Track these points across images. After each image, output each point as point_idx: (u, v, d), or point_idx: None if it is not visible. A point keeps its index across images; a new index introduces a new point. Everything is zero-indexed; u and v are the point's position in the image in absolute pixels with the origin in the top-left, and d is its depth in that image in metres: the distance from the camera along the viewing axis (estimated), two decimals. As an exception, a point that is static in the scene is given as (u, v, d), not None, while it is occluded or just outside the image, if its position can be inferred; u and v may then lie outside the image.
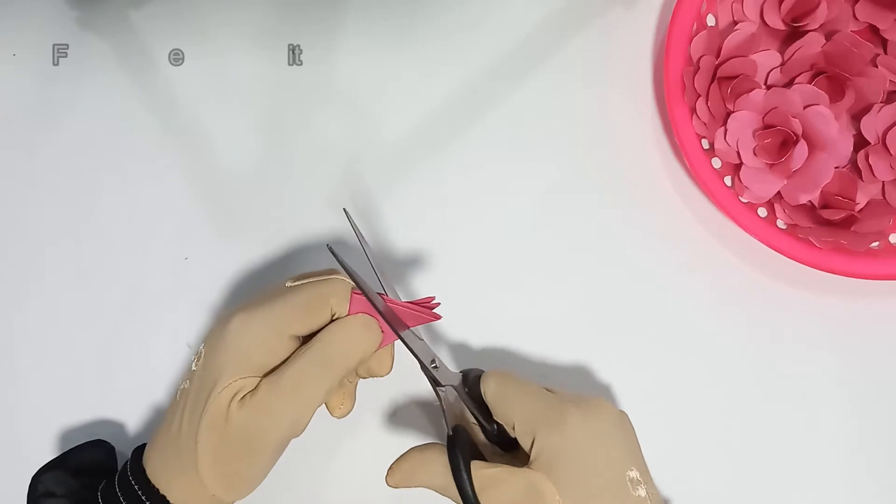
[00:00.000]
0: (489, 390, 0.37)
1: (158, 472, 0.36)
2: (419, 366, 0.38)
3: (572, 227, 0.46)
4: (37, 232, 0.46)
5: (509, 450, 0.39)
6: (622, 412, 0.37)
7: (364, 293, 0.36)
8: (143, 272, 0.46)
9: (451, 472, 0.35)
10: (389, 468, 0.37)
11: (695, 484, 0.44)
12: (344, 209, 0.39)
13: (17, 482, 0.44)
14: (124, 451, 0.44)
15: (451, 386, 0.38)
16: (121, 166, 0.46)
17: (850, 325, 0.45)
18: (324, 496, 0.44)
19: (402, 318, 0.37)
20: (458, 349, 0.45)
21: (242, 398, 0.35)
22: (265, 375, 0.35)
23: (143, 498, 0.35)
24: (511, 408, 0.37)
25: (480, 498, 0.34)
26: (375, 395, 0.44)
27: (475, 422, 0.39)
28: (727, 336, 0.45)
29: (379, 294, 0.37)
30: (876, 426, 0.45)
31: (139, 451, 0.38)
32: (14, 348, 0.45)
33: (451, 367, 0.42)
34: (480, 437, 0.39)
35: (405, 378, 0.41)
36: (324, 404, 0.39)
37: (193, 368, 0.37)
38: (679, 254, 0.46)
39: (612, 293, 0.46)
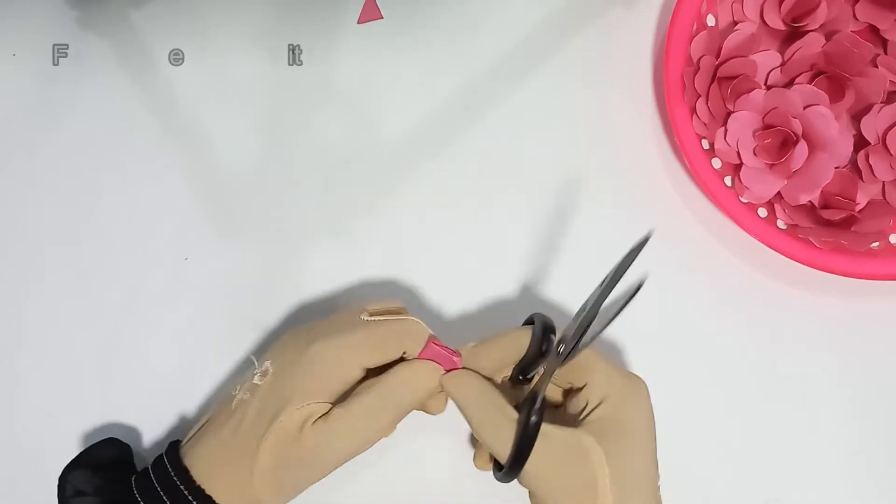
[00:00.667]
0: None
1: (205, 470, 0.37)
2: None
3: (572, 227, 0.46)
4: (37, 232, 0.46)
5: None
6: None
7: (439, 346, 0.37)
8: (143, 272, 0.46)
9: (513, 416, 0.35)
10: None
11: (695, 484, 0.44)
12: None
13: (16, 481, 0.44)
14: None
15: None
16: (121, 166, 0.46)
17: (850, 325, 0.45)
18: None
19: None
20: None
21: (315, 422, 0.36)
22: (335, 402, 0.37)
23: (188, 497, 0.36)
24: (592, 363, 0.37)
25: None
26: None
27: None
28: (727, 336, 0.45)
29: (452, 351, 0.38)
30: (876, 426, 0.45)
31: (173, 451, 0.38)
32: (14, 348, 0.45)
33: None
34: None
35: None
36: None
37: (257, 382, 0.37)
38: (679, 254, 0.46)
39: (612, 293, 0.45)
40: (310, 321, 0.45)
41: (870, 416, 0.45)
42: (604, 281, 0.34)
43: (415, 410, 0.40)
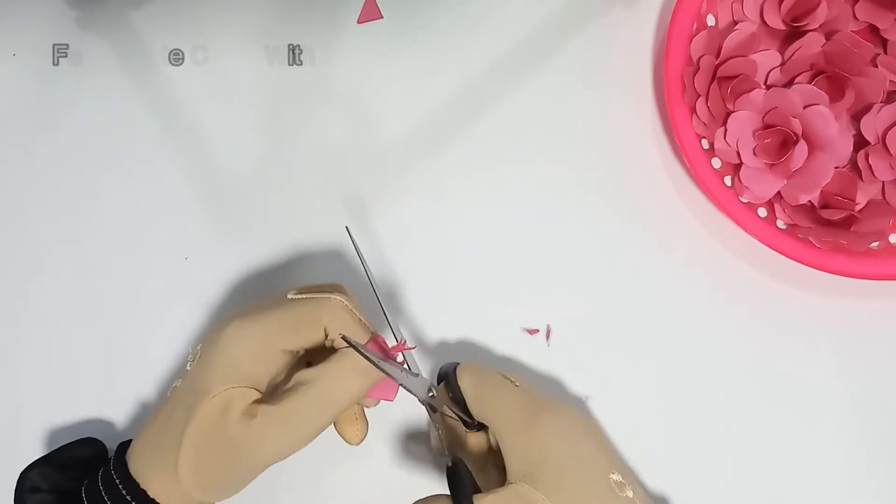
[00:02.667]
0: (466, 389, 0.38)
1: (140, 465, 0.36)
2: (417, 400, 0.38)
3: (572, 227, 0.46)
4: (37, 232, 0.46)
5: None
6: (588, 419, 0.38)
7: (357, 349, 0.35)
8: (143, 272, 0.46)
9: None
10: None
11: (695, 483, 0.44)
12: (346, 227, 0.39)
13: (14, 480, 0.44)
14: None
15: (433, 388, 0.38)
16: (121, 166, 0.46)
17: (850, 325, 0.45)
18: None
19: (389, 355, 0.37)
20: (456, 349, 0.45)
21: (241, 415, 0.35)
22: (262, 393, 0.36)
23: (122, 491, 0.36)
24: (488, 409, 0.37)
25: None
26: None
27: (455, 417, 0.39)
28: (727, 336, 0.45)
29: (374, 343, 0.37)
30: (876, 426, 0.45)
31: (124, 445, 0.38)
32: (14, 348, 0.45)
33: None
34: (461, 428, 0.39)
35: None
36: (339, 434, 0.40)
37: (188, 368, 0.37)
38: (679, 254, 0.46)
39: (612, 293, 0.46)
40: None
41: (870, 416, 0.45)
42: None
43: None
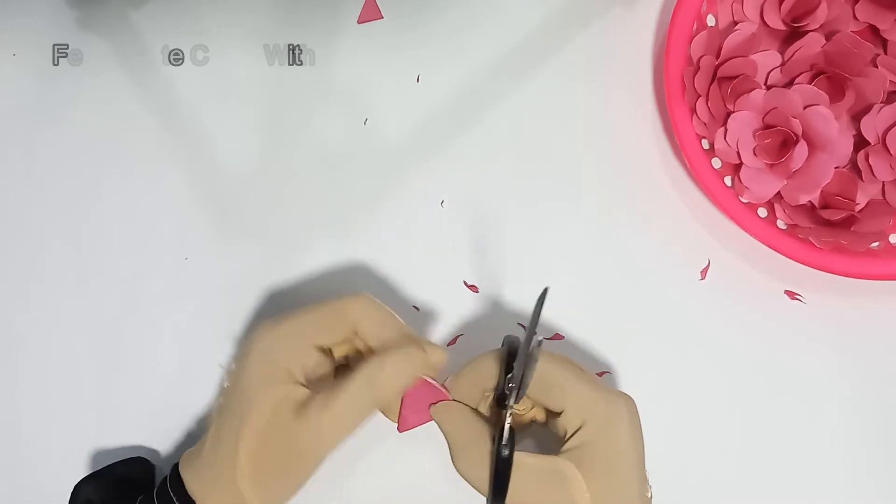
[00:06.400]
0: (545, 366, 0.37)
1: (195, 485, 0.37)
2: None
3: (572, 226, 0.46)
4: (37, 232, 0.46)
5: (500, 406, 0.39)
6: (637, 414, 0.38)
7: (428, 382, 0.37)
8: (143, 272, 0.46)
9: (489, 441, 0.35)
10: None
11: (695, 483, 0.44)
12: (545, 289, 0.34)
13: (15, 481, 0.44)
14: (120, 449, 0.44)
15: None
16: (121, 166, 0.46)
17: (850, 325, 0.45)
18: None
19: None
20: (457, 349, 0.45)
21: (295, 412, 0.35)
22: (309, 390, 0.36)
23: None
24: (566, 388, 0.36)
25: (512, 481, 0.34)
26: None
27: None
28: (727, 336, 0.45)
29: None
30: (876, 426, 0.45)
31: (176, 469, 0.38)
32: (14, 348, 0.45)
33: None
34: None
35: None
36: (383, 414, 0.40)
37: (225, 385, 0.38)
38: (679, 254, 0.46)
39: (612, 293, 0.46)
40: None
41: (870, 416, 0.45)
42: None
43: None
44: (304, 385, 0.36)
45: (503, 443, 0.34)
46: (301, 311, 0.38)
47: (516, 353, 0.36)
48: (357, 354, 0.40)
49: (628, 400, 0.37)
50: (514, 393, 0.35)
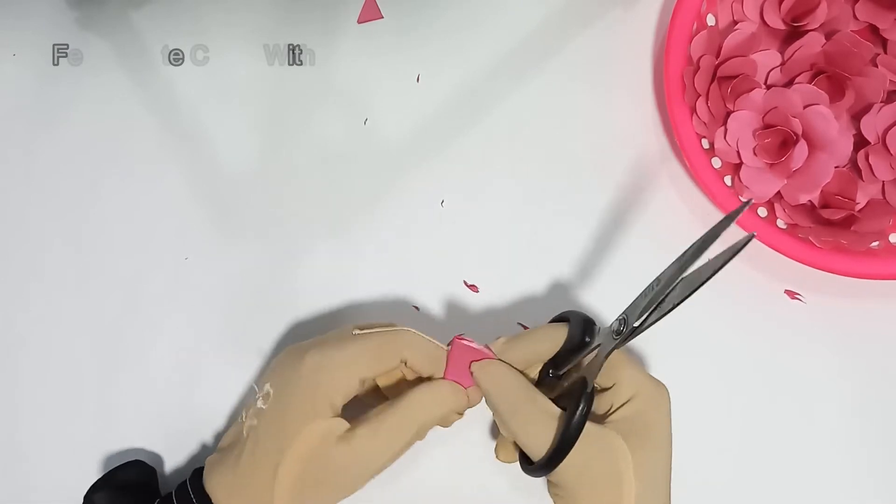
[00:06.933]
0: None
1: (224, 497, 0.37)
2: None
3: (572, 226, 0.46)
4: (37, 232, 0.46)
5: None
6: None
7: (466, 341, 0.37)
8: (143, 272, 0.46)
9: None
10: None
11: (695, 483, 0.44)
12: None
13: (15, 481, 0.44)
14: (119, 448, 0.44)
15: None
16: (121, 166, 0.46)
17: (850, 325, 0.45)
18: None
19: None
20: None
21: (339, 441, 0.36)
22: (351, 419, 0.37)
23: None
24: (622, 364, 0.37)
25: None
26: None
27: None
28: (727, 336, 0.45)
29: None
30: (876, 426, 0.45)
31: (196, 479, 0.38)
32: (14, 348, 0.45)
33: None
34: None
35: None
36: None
37: (261, 406, 0.37)
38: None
39: (612, 293, 0.46)
40: (309, 322, 0.45)
41: (870, 416, 0.45)
42: (682, 256, 0.34)
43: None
44: (343, 418, 0.37)
45: (586, 399, 0.35)
46: (350, 341, 0.37)
47: (591, 323, 0.38)
48: (396, 384, 0.40)
49: (668, 389, 0.38)
50: (626, 333, 0.34)
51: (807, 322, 0.45)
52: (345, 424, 0.37)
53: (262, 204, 0.46)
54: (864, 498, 0.44)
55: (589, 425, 0.35)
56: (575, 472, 0.35)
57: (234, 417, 0.44)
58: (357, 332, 0.38)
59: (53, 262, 0.46)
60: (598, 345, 0.36)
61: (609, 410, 0.37)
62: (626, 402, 0.37)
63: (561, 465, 0.35)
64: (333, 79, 0.47)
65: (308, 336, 0.40)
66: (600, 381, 0.38)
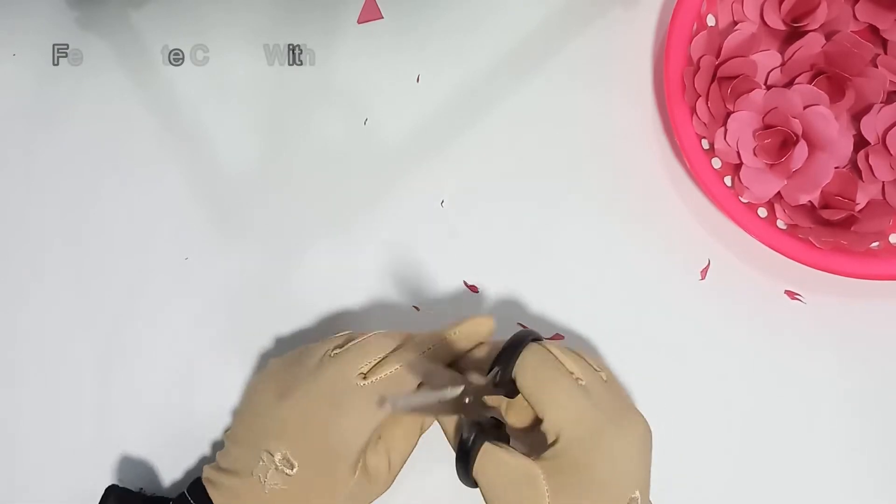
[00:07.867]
0: (525, 372, 0.36)
1: None
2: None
3: (572, 226, 0.46)
4: (37, 232, 0.46)
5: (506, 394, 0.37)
6: (649, 430, 0.36)
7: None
8: (143, 273, 0.46)
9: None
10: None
11: (695, 483, 0.44)
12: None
13: (15, 481, 0.44)
14: (119, 449, 0.44)
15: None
16: (121, 167, 0.46)
17: (850, 325, 0.45)
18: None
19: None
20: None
21: (362, 476, 0.37)
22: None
23: None
24: (545, 398, 0.35)
25: (476, 465, 0.35)
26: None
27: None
28: (727, 336, 0.45)
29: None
30: (876, 426, 0.45)
31: (199, 492, 0.38)
32: (14, 349, 0.45)
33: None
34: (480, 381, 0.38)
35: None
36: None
37: (288, 473, 0.36)
38: (679, 254, 0.46)
39: (612, 293, 0.46)
40: (310, 322, 0.45)
41: (870, 416, 0.45)
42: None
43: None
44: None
45: (464, 437, 0.35)
46: (359, 400, 0.36)
47: (513, 345, 0.37)
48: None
49: (622, 417, 0.35)
50: (493, 377, 0.35)
51: (807, 322, 0.45)
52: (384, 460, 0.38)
53: (262, 204, 0.46)
54: (864, 498, 0.44)
55: (511, 456, 0.34)
56: (492, 497, 0.35)
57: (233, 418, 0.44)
58: (360, 382, 0.36)
59: (53, 262, 0.46)
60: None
61: (547, 443, 0.35)
62: (556, 440, 0.35)
63: (485, 484, 0.35)
64: (333, 79, 0.47)
65: (308, 336, 0.40)
66: (536, 410, 0.35)
